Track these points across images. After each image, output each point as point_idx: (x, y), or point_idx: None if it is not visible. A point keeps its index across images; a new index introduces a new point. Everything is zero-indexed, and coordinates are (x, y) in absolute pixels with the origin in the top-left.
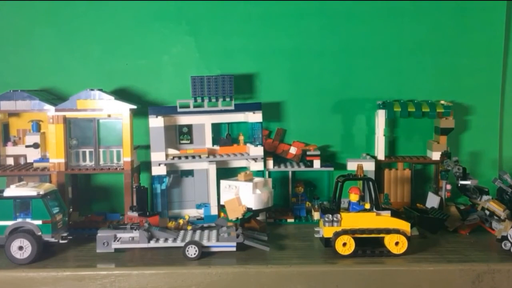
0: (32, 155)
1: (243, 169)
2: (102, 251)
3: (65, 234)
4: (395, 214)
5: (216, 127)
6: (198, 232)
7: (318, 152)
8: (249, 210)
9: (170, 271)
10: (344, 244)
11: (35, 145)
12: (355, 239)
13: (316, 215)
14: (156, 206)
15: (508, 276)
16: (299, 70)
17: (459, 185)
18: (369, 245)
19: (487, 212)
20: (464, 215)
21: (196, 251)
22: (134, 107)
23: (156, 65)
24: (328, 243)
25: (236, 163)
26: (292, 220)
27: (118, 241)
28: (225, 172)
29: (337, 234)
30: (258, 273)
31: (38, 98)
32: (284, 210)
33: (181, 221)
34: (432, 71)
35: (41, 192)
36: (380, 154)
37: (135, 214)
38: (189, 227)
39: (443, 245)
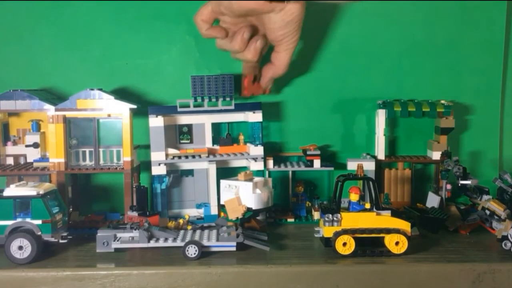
0: (32, 155)
1: (243, 168)
2: (102, 251)
3: (65, 234)
4: (395, 214)
5: (216, 127)
6: (198, 231)
7: (318, 152)
8: (249, 209)
9: (170, 271)
10: (344, 244)
11: (35, 145)
12: (355, 239)
13: (316, 215)
14: (156, 205)
15: (509, 276)
16: (299, 70)
17: (459, 185)
18: (369, 245)
19: (488, 212)
20: (465, 215)
21: (196, 250)
22: (134, 106)
23: (156, 65)
24: (328, 243)
25: (236, 163)
26: (292, 220)
27: (118, 241)
28: (225, 172)
29: (337, 234)
30: (258, 273)
31: (38, 98)
32: (284, 210)
33: (181, 221)
34: (432, 71)
35: (41, 192)
36: (380, 154)
37: (135, 213)
38: (189, 227)
39: (443, 245)
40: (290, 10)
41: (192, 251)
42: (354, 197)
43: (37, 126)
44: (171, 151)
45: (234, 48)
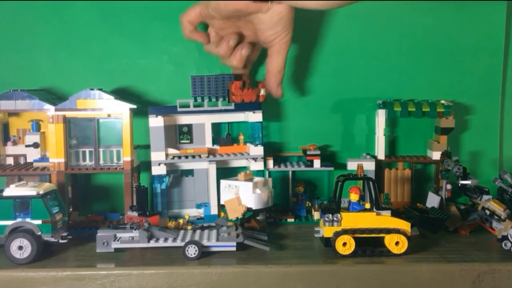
0: (32, 155)
1: (243, 168)
2: (102, 251)
3: (65, 234)
4: (395, 214)
5: (216, 127)
6: (198, 231)
7: (318, 152)
8: (249, 209)
9: (170, 271)
10: (344, 244)
11: (35, 145)
12: (355, 239)
13: (316, 215)
14: (156, 205)
15: (509, 276)
16: (300, 70)
17: (459, 184)
18: (369, 245)
19: (488, 212)
20: (465, 215)
21: (196, 250)
22: (134, 106)
23: (156, 65)
24: (328, 243)
25: (236, 163)
26: (292, 220)
27: (118, 240)
28: (225, 172)
29: (337, 234)
30: (258, 273)
31: (38, 98)
32: (284, 210)
33: (181, 221)
34: (432, 71)
35: (41, 192)
36: (380, 154)
37: (135, 213)
38: (189, 227)
39: (443, 245)
40: (278, 9)
41: (192, 251)
42: (354, 197)
43: (37, 126)
44: (171, 151)
45: (219, 53)
